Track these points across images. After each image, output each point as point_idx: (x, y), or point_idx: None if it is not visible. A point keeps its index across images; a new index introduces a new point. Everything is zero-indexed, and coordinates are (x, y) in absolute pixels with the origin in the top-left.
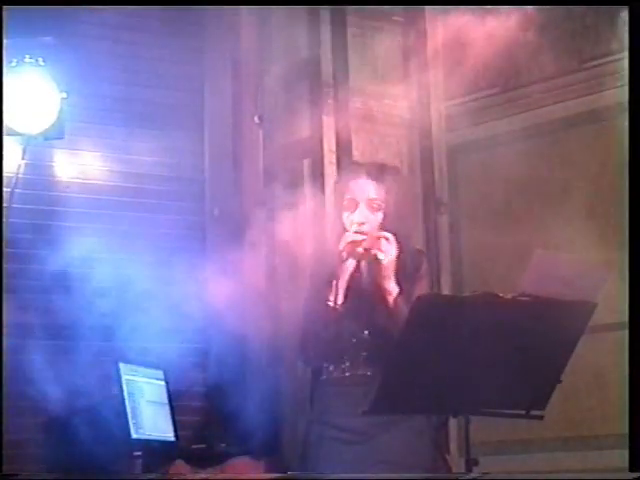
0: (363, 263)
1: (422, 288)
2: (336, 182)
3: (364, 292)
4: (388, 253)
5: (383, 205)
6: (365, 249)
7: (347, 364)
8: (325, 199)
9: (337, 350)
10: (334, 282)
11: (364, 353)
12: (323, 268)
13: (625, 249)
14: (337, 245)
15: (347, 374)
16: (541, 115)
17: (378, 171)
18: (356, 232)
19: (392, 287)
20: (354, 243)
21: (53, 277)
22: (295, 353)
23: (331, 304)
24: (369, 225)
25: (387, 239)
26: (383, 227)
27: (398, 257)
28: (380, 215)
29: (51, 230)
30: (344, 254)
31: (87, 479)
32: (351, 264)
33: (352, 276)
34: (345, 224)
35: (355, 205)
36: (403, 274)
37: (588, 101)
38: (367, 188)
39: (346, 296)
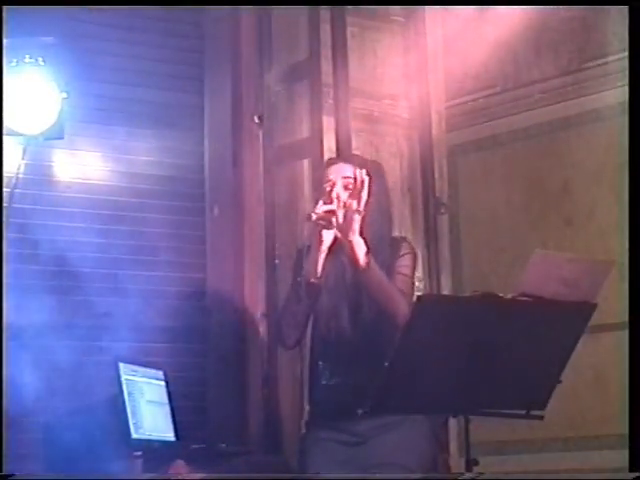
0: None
1: (401, 264)
2: (316, 176)
3: (344, 268)
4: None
5: (354, 187)
6: (339, 221)
7: (342, 367)
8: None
9: (330, 362)
10: (309, 254)
11: (360, 360)
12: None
13: (625, 249)
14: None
15: (344, 376)
16: (541, 115)
17: (354, 158)
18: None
19: (358, 240)
20: (329, 213)
21: (53, 277)
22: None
23: (311, 279)
24: (340, 202)
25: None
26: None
27: (376, 245)
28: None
29: (51, 230)
30: (318, 218)
31: (87, 479)
32: (327, 235)
33: (331, 250)
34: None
35: (332, 185)
36: (382, 260)
37: (588, 101)
38: (342, 168)
39: (327, 272)
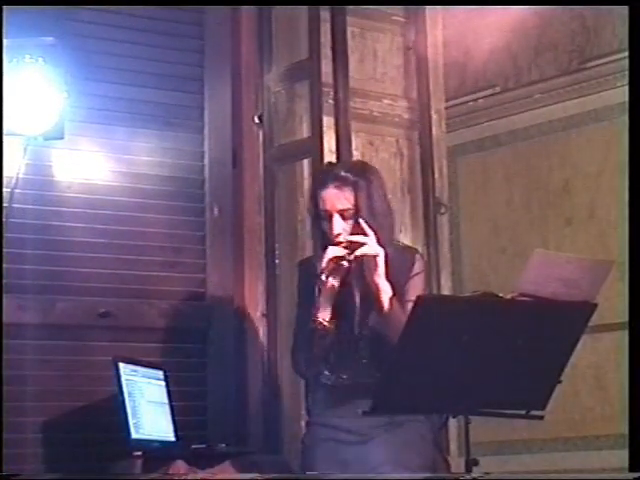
0: (351, 276)
1: (416, 285)
2: (310, 193)
3: (355, 305)
4: (376, 249)
5: (353, 212)
6: (349, 261)
7: (344, 376)
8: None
9: (332, 362)
10: (319, 299)
11: (363, 361)
12: (309, 280)
13: (625, 249)
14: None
15: (345, 383)
16: (541, 115)
17: (347, 174)
18: (337, 244)
19: (384, 285)
20: (338, 258)
21: (53, 277)
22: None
23: (320, 321)
24: (345, 234)
25: (366, 242)
26: (359, 231)
27: (385, 255)
28: (351, 222)
29: (51, 230)
30: (326, 272)
31: (87, 479)
32: (335, 280)
33: (340, 291)
34: (325, 232)
35: (330, 216)
36: (393, 273)
37: (588, 101)
38: (336, 199)
39: (337, 311)
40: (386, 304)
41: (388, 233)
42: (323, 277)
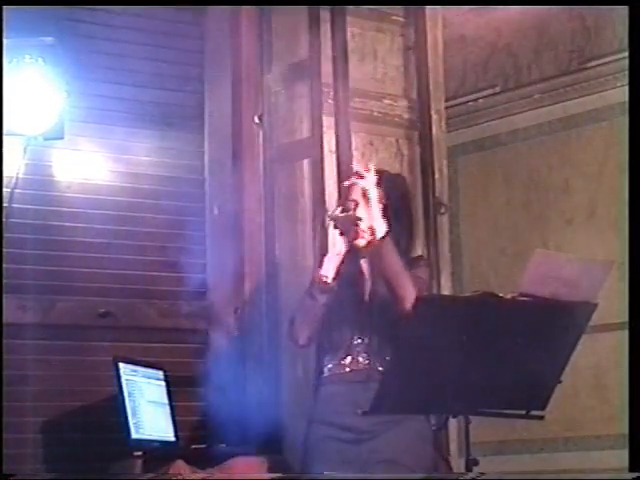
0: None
1: (416, 271)
2: (344, 186)
3: (359, 272)
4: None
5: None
6: (357, 232)
7: (347, 360)
8: (325, 199)
9: (334, 343)
10: (325, 257)
11: (363, 341)
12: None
13: (625, 249)
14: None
15: (347, 369)
16: (541, 115)
17: (378, 175)
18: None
19: (379, 223)
20: (349, 218)
21: (53, 277)
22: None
23: (324, 279)
24: (366, 222)
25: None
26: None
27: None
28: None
29: (51, 230)
30: (334, 216)
31: (87, 479)
32: (343, 241)
33: (346, 254)
34: None
35: (356, 207)
36: None
37: (588, 101)
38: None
39: (340, 275)
40: (380, 231)
41: (400, 240)
42: (329, 213)
